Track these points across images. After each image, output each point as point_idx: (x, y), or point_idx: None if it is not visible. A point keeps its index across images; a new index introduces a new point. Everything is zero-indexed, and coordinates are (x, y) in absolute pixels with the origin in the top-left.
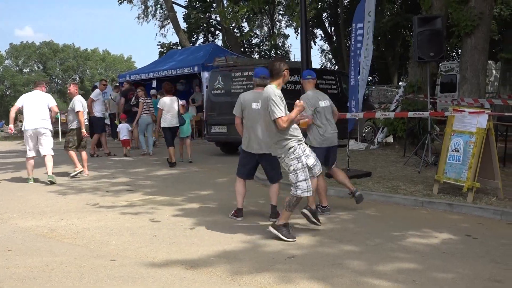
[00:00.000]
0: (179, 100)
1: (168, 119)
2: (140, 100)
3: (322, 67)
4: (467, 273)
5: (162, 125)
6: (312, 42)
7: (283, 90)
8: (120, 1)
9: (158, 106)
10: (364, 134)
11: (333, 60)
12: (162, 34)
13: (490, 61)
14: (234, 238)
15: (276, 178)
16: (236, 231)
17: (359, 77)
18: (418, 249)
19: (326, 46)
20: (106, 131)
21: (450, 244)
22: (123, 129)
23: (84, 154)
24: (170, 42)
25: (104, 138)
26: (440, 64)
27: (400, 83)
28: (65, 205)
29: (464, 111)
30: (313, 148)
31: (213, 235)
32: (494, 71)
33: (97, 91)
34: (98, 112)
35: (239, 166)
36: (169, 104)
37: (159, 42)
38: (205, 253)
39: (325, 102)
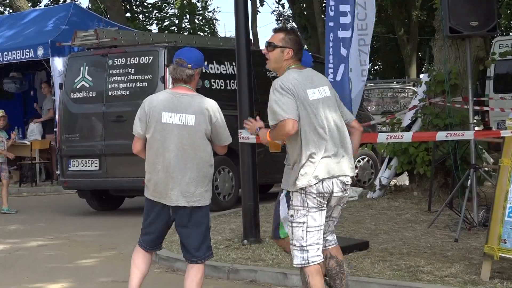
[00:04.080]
0: None
1: None
2: None
3: None
4: None
5: None
6: (259, 3)
7: (207, 90)
8: None
9: None
10: (357, 171)
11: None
12: None
13: None
14: None
15: (201, 255)
16: None
17: (350, 66)
18: None
19: (287, 11)
20: None
21: None
22: None
23: None
24: None
25: None
26: (493, 42)
27: (420, 76)
28: None
29: None
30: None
31: None
32: None
33: None
34: None
35: (143, 226)
36: None
37: None
38: None
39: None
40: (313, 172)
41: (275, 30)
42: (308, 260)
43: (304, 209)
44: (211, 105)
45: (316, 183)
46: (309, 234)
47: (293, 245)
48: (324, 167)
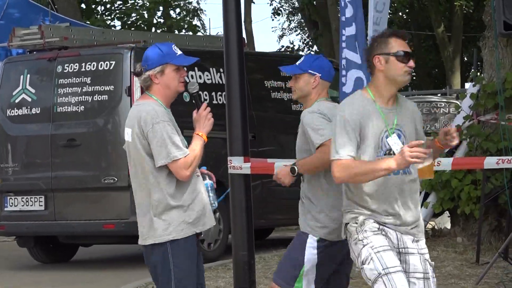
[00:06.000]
0: None
1: None
2: None
3: (283, 49)
4: None
5: None
6: None
7: (187, 104)
8: None
9: None
10: None
11: (303, 34)
12: None
13: None
14: None
15: None
16: None
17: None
18: None
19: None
20: None
21: None
22: None
23: None
24: None
25: None
26: None
27: (466, 86)
28: None
29: None
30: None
31: None
32: None
33: None
34: None
35: None
36: None
37: None
38: None
39: None
40: None
41: None
42: None
43: None
44: (143, 113)
45: None
46: None
47: None
48: None
